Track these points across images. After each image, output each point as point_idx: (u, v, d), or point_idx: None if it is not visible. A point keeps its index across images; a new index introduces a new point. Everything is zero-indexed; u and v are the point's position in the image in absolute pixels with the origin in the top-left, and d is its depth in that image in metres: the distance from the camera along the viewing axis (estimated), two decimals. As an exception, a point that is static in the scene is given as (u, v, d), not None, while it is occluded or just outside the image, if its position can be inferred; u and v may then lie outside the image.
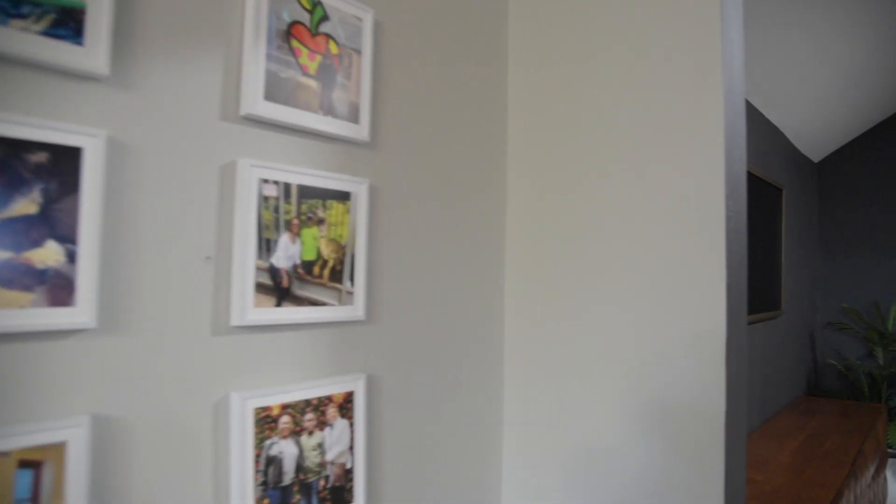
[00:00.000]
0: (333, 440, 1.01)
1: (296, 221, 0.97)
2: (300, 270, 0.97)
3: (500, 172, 1.42)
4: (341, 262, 1.03)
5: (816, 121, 3.97)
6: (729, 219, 1.14)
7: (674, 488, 1.16)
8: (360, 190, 1.06)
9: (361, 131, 1.07)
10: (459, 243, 1.30)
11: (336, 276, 1.02)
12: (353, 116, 1.05)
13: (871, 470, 3.03)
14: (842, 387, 4.44)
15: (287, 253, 0.95)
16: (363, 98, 1.07)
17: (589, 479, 1.27)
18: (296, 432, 0.95)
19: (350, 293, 1.04)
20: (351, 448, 1.03)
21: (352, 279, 1.04)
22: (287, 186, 0.96)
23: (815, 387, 4.47)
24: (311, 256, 0.99)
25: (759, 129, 3.33)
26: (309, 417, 0.97)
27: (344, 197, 1.03)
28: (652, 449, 1.19)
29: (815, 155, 4.55)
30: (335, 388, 1.01)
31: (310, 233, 0.99)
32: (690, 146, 1.16)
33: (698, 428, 1.13)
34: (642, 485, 1.19)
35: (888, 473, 3.94)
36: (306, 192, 0.98)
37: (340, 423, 1.02)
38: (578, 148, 1.32)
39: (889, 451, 3.98)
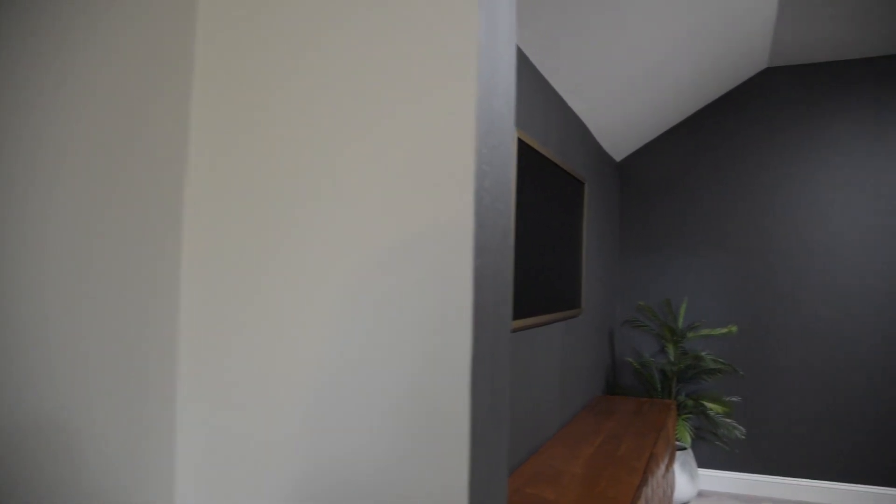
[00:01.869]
0: None
1: None
2: None
3: (179, 89, 0.95)
4: None
5: (619, 119, 3.96)
6: (482, 174, 0.79)
7: (405, 486, 0.78)
8: None
9: None
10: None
11: None
12: None
13: (662, 468, 2.98)
14: (638, 384, 4.52)
15: None
16: None
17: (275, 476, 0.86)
18: None
19: None
20: None
21: None
22: None
23: (613, 385, 4.51)
24: None
25: (564, 119, 3.18)
26: None
27: None
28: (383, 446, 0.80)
29: (618, 154, 4.60)
30: None
31: None
32: (430, 65, 0.79)
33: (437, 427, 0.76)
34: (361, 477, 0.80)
35: (676, 466, 4.04)
36: None
37: None
38: (283, 68, 0.90)
39: (678, 444, 4.08)
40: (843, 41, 3.99)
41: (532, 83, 2.68)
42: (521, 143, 2.42)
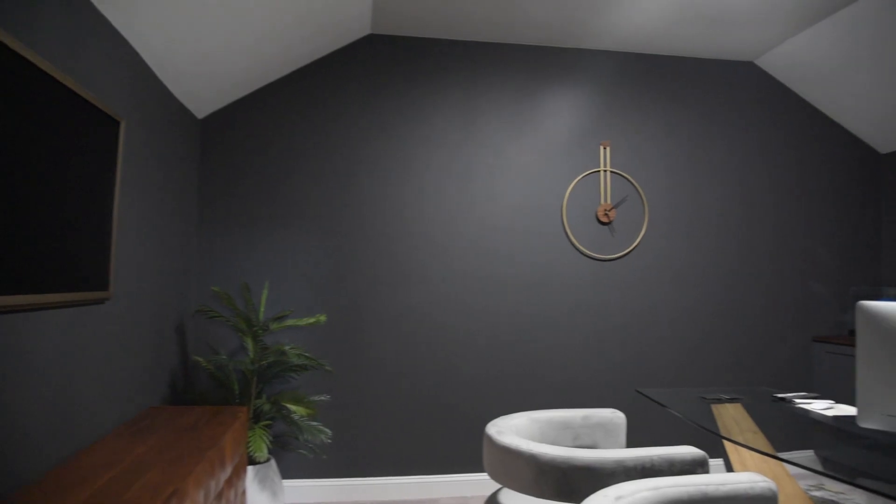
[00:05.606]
0: None
1: None
2: None
3: None
4: None
5: (195, 60, 3.13)
6: None
7: None
8: None
9: None
10: None
11: None
12: None
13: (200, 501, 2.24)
14: (216, 387, 3.73)
15: None
16: None
17: None
18: None
19: None
20: None
21: None
22: None
23: (184, 391, 3.64)
24: None
25: (80, 21, 2.23)
26: None
27: None
28: None
29: (200, 109, 3.75)
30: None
31: None
32: None
33: None
34: None
35: (254, 483, 3.37)
36: None
37: None
38: None
39: (255, 457, 3.42)
40: (440, 20, 3.85)
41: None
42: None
